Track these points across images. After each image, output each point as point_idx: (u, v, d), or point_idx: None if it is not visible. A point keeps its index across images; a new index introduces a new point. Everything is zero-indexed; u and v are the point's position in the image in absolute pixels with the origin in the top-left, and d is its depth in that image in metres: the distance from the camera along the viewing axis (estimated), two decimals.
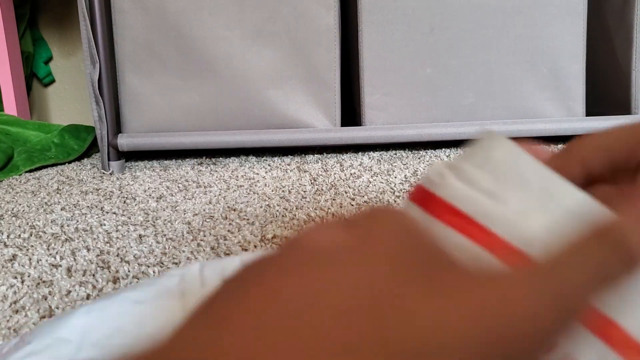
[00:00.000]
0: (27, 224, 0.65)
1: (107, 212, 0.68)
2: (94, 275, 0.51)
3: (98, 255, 0.55)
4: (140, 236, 0.59)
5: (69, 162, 1.01)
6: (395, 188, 0.71)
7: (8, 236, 0.61)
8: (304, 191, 0.72)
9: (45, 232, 0.62)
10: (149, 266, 0.51)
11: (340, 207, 0.64)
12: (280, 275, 0.16)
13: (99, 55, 0.86)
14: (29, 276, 0.51)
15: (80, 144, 1.06)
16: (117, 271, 0.51)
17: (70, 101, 1.43)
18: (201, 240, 0.57)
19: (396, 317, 0.15)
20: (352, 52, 0.98)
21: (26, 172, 0.94)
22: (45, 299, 0.47)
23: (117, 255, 0.55)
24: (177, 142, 0.89)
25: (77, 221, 0.65)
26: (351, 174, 0.81)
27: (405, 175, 0.78)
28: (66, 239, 0.59)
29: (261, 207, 0.66)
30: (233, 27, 0.89)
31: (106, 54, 0.87)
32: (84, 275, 0.51)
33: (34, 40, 1.35)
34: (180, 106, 0.91)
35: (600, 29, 1.00)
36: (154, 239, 0.58)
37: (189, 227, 0.60)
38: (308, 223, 0.60)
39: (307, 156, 0.94)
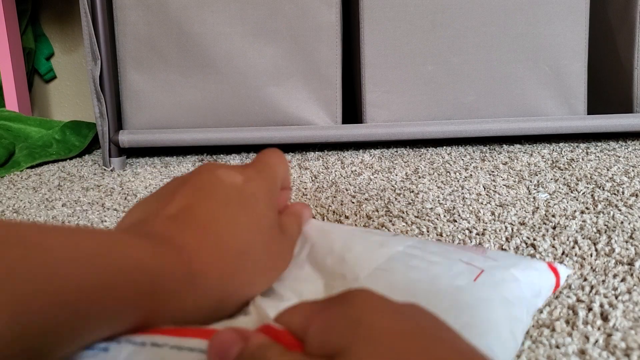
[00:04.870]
0: (29, 220, 0.65)
1: (108, 209, 0.68)
2: None
3: None
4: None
5: (70, 159, 1.02)
6: (396, 185, 0.71)
7: None
8: (305, 188, 0.72)
9: None
10: None
11: (341, 204, 0.64)
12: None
13: (100, 52, 0.86)
14: None
15: (82, 140, 1.06)
16: None
17: (71, 97, 1.43)
18: None
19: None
20: (353, 49, 0.98)
21: (27, 168, 0.94)
22: None
23: None
24: (178, 139, 0.89)
25: (78, 217, 0.65)
26: (352, 171, 0.81)
27: (406, 173, 0.78)
28: None
29: None
30: (234, 24, 0.89)
31: (107, 50, 0.87)
32: None
33: (35, 36, 1.35)
34: (181, 103, 0.91)
35: (602, 27, 1.00)
36: None
37: None
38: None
39: (308, 153, 0.94)
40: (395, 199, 0.66)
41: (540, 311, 0.37)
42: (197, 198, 0.27)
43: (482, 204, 0.62)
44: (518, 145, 0.93)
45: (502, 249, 0.48)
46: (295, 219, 0.33)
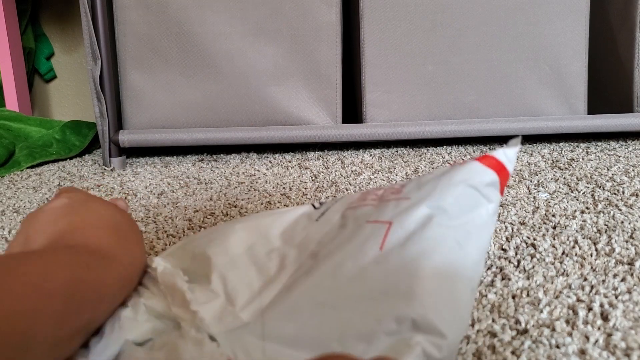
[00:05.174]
0: None
1: None
2: None
3: None
4: (141, 232, 0.59)
5: (70, 158, 1.02)
6: None
7: (9, 232, 0.61)
8: (305, 188, 0.72)
9: None
10: None
11: None
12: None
13: (100, 52, 0.86)
14: None
15: (82, 140, 1.06)
16: None
17: (71, 97, 1.43)
18: None
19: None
20: (353, 49, 0.98)
21: (27, 167, 0.94)
22: None
23: None
24: (178, 139, 0.89)
25: None
26: (352, 171, 0.81)
27: (406, 173, 0.78)
28: None
29: (262, 203, 0.66)
30: (234, 24, 0.89)
31: (108, 50, 0.87)
32: None
33: (35, 36, 1.35)
34: (181, 103, 0.91)
35: (602, 26, 1.00)
36: (154, 236, 0.58)
37: (189, 224, 0.60)
38: None
39: (308, 153, 0.94)
40: None
41: (541, 311, 0.37)
42: (66, 217, 0.35)
43: None
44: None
45: (502, 249, 0.48)
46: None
